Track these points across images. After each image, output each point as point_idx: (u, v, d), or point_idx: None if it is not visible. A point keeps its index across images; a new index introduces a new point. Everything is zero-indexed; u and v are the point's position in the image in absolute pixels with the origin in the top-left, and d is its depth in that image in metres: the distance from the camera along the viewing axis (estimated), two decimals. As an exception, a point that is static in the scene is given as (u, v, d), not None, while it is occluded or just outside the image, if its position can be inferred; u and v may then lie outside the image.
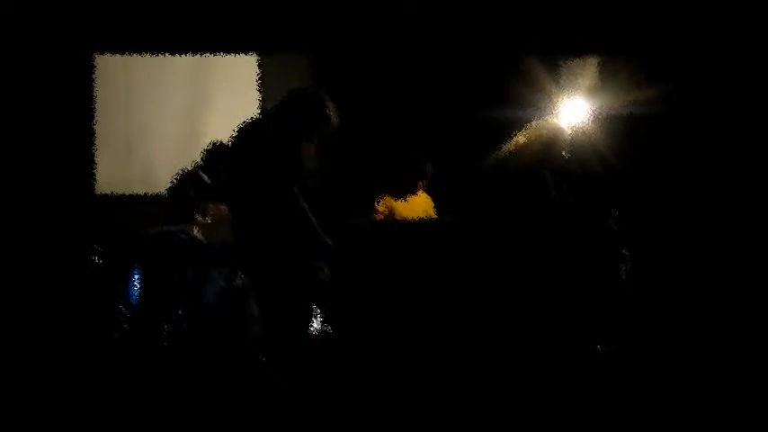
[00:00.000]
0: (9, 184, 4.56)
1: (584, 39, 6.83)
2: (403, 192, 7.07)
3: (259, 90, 7.98)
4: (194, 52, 7.20)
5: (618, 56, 7.19)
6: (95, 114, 7.95)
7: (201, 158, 6.87)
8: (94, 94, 7.42)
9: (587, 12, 6.72)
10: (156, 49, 7.07)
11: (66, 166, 4.67)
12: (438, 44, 6.93)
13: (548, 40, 6.80)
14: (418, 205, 7.10)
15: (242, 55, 7.89)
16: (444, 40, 6.90)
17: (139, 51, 7.16)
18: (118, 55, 7.59)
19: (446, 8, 6.60)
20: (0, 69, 4.61)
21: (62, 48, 4.64)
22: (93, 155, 4.84)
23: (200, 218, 6.75)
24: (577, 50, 7.26)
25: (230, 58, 7.95)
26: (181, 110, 8.04)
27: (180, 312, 6.62)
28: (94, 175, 4.78)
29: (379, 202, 7.05)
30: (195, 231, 6.73)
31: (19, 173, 4.57)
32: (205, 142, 7.08)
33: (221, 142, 6.81)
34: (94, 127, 7.97)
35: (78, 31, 4.70)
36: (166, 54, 7.37)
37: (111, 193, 7.57)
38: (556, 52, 7.23)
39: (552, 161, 6.28)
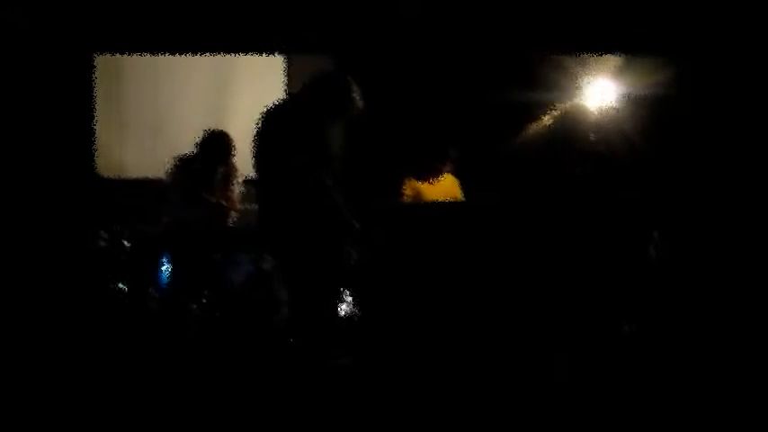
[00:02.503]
0: (9, 183, 4.58)
1: (590, 36, 6.77)
2: (429, 174, 7.08)
3: (285, 74, 8.00)
4: (194, 53, 7.22)
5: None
6: (122, 102, 8.06)
7: (197, 147, 6.94)
8: (104, 87, 7.48)
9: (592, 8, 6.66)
10: (158, 50, 7.10)
11: (66, 166, 4.68)
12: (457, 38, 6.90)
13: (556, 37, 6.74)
14: (444, 188, 7.10)
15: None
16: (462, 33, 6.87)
17: (141, 52, 7.19)
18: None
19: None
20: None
21: (62, 48, 4.65)
22: (94, 155, 4.86)
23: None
24: (583, 49, 7.18)
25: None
26: (206, 95, 8.09)
27: (208, 296, 6.67)
28: (94, 175, 4.80)
29: (406, 184, 7.06)
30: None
31: (19, 172, 4.59)
32: (230, 126, 7.13)
33: (216, 131, 6.92)
34: (121, 114, 8.07)
35: (78, 31, 4.71)
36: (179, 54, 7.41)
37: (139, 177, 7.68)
38: (562, 51, 7.15)
39: (578, 143, 6.27)
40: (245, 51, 7.18)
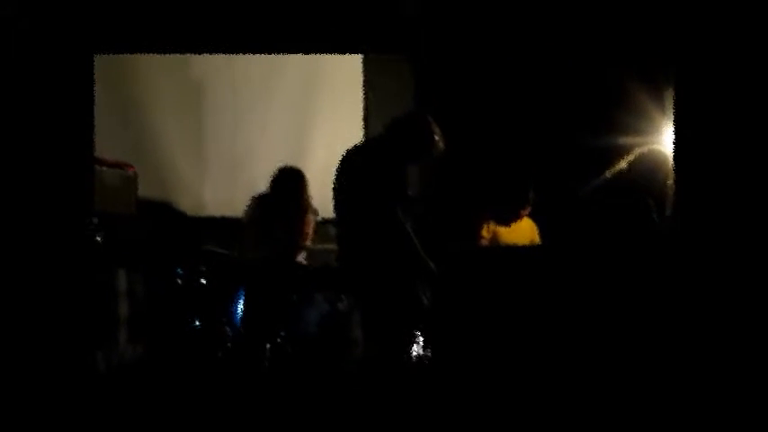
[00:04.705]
0: (8, 185, 4.60)
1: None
2: (508, 218, 7.05)
3: (363, 113, 8.04)
4: (195, 52, 7.29)
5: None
6: (202, 137, 8.14)
7: (271, 185, 7.01)
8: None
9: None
10: (159, 50, 7.18)
11: (67, 167, 4.67)
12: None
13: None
14: (523, 231, 7.05)
15: (347, 77, 7.97)
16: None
17: (142, 51, 7.27)
18: (226, 81, 7.75)
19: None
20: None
21: (62, 48, 4.67)
22: (94, 156, 4.86)
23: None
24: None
25: (335, 80, 8.03)
26: (285, 132, 8.15)
27: (283, 334, 6.69)
28: (94, 177, 4.80)
29: (484, 227, 7.03)
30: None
31: (19, 175, 4.60)
32: (308, 165, 7.18)
33: (288, 168, 6.98)
34: (201, 150, 8.15)
35: (79, 31, 4.73)
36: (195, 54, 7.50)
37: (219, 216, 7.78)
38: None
39: (656, 189, 6.19)
40: (244, 51, 7.24)
